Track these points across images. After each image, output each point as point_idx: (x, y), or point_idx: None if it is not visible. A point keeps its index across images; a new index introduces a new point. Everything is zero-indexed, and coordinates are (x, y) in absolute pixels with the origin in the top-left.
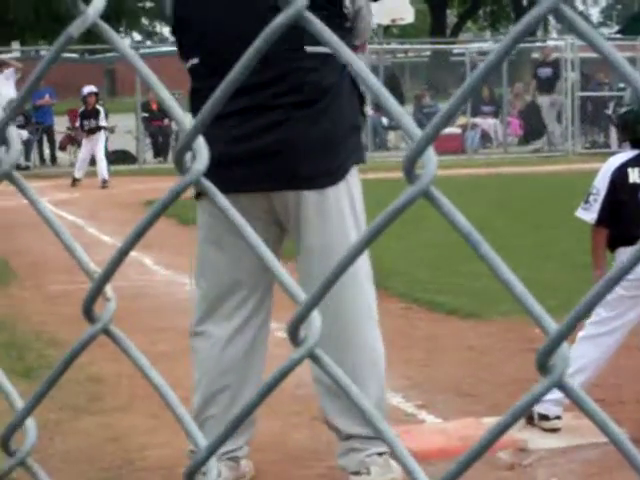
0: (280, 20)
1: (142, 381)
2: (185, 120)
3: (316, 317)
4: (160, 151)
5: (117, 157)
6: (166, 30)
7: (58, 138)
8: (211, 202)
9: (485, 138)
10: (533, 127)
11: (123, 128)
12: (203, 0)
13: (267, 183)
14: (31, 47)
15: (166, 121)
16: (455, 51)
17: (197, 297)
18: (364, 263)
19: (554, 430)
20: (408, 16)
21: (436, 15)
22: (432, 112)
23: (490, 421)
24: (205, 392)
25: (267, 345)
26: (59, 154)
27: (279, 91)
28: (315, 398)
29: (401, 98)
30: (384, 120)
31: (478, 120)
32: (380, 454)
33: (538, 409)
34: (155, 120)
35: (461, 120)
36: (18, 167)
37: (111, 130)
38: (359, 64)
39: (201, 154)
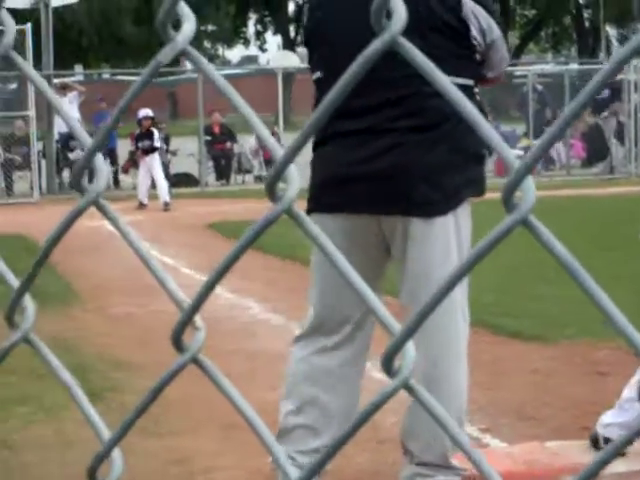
0: (375, 46)
1: (207, 404)
2: (278, 148)
3: (411, 348)
4: (222, 174)
5: (179, 180)
6: (228, 53)
7: (121, 161)
8: (320, 221)
9: (548, 160)
10: (596, 149)
11: (185, 151)
12: (328, 18)
13: (378, 206)
14: (94, 70)
15: (228, 144)
16: (517, 73)
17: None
18: (462, 299)
19: (620, 454)
20: None
21: None
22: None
23: (554, 445)
24: (295, 401)
25: (364, 367)
26: (122, 177)
27: (396, 114)
28: (382, 424)
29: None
30: None
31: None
32: None
33: (603, 432)
34: (217, 143)
35: (523, 142)
36: (82, 190)
37: (173, 153)
38: (456, 93)
39: (292, 182)
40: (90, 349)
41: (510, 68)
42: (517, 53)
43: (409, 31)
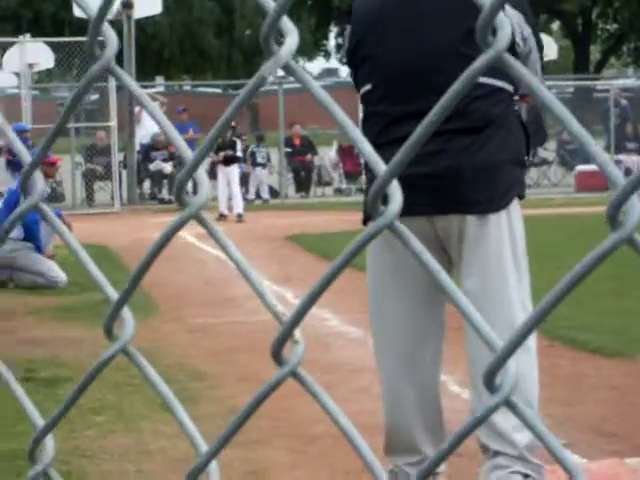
0: (480, 62)
1: (282, 414)
2: (380, 163)
3: (512, 365)
4: (302, 186)
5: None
6: (309, 66)
7: None
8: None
9: (629, 175)
10: None
11: None
12: (386, 33)
13: (432, 206)
14: (175, 82)
15: (308, 156)
16: (598, 87)
17: None
18: (520, 292)
19: None
20: (551, 52)
21: (579, 51)
22: (574, 149)
23: (634, 462)
24: (388, 417)
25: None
26: None
27: (446, 117)
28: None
29: (544, 135)
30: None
31: (622, 157)
32: (525, 476)
33: None
34: (298, 155)
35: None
36: (162, 201)
37: (263, 165)
38: (561, 109)
39: (395, 198)
40: (168, 359)
41: (592, 82)
42: (598, 67)
43: (456, 37)
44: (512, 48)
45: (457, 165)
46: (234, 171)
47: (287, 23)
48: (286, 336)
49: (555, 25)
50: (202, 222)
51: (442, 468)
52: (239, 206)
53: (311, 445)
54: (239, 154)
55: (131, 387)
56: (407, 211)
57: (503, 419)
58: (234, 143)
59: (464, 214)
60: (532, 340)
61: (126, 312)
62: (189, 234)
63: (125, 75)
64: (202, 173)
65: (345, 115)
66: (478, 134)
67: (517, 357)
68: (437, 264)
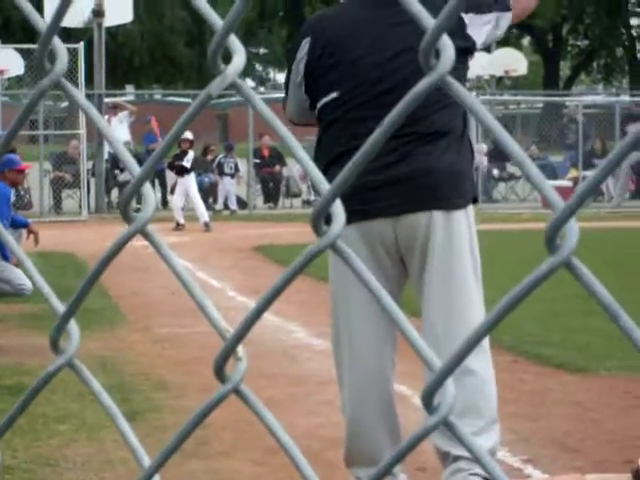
0: (423, 85)
1: (247, 427)
2: (324, 182)
3: (450, 385)
4: (270, 197)
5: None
6: (279, 76)
7: (170, 182)
8: (347, 230)
9: (596, 191)
10: None
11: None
12: (349, 47)
13: (399, 207)
14: (145, 91)
15: (277, 168)
16: (567, 103)
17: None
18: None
19: None
20: (521, 67)
21: (549, 67)
22: (542, 165)
23: (595, 477)
24: (350, 427)
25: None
26: (170, 198)
27: (410, 125)
28: (426, 450)
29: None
30: (495, 171)
31: (589, 173)
32: (486, 478)
33: None
34: (266, 166)
35: (572, 173)
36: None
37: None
38: (501, 132)
39: (338, 218)
40: (133, 369)
41: (561, 98)
42: (568, 84)
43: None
44: (471, 54)
45: (426, 166)
46: (189, 181)
47: (234, 42)
48: (229, 353)
49: (525, 40)
50: (147, 237)
51: None
52: (204, 215)
53: (274, 457)
54: (187, 164)
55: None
56: (374, 214)
57: (464, 425)
58: (184, 154)
59: (432, 210)
60: (487, 346)
61: (72, 325)
62: None
63: (74, 90)
64: (148, 188)
65: (289, 132)
66: (442, 140)
67: (481, 363)
68: (378, 284)
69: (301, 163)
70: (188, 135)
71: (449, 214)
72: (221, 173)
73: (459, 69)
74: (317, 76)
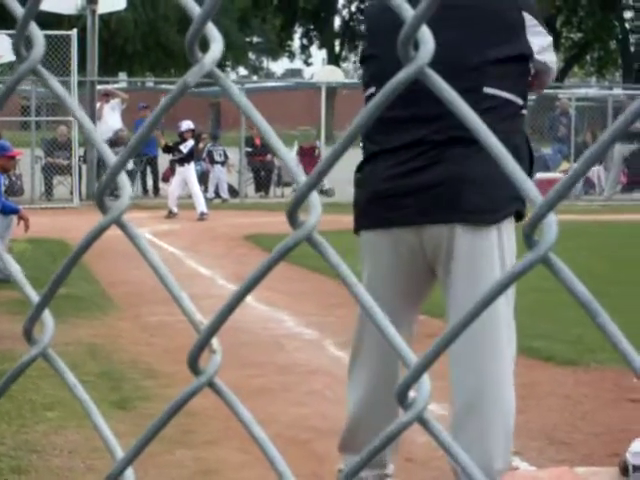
0: (401, 77)
1: (233, 415)
2: (300, 173)
3: (426, 381)
4: (261, 186)
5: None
6: (273, 66)
7: (161, 169)
8: (371, 236)
9: (588, 184)
10: (638, 174)
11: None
12: (377, 38)
13: (423, 216)
14: (137, 78)
15: (269, 156)
16: (560, 96)
17: None
18: (508, 316)
19: None
20: None
21: None
22: (535, 157)
23: (583, 470)
24: (354, 421)
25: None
26: (162, 185)
27: (446, 125)
28: (414, 441)
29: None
30: None
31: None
32: None
33: (632, 460)
34: (258, 155)
35: (564, 166)
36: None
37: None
38: (479, 125)
39: (314, 209)
40: (123, 357)
41: (554, 91)
42: (561, 76)
43: (469, 49)
44: (529, 60)
45: (454, 175)
46: (188, 170)
47: (212, 30)
48: (203, 345)
49: None
50: (123, 227)
51: (391, 470)
52: (201, 205)
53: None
54: (183, 149)
55: (85, 384)
56: (399, 222)
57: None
58: (178, 144)
59: (453, 223)
60: (509, 366)
61: (47, 315)
62: (147, 231)
63: (51, 78)
64: (124, 177)
65: (265, 123)
66: (478, 145)
67: (500, 384)
68: (354, 278)
69: (278, 154)
70: (190, 125)
71: (474, 229)
72: (212, 161)
73: (515, 76)
74: (363, 65)
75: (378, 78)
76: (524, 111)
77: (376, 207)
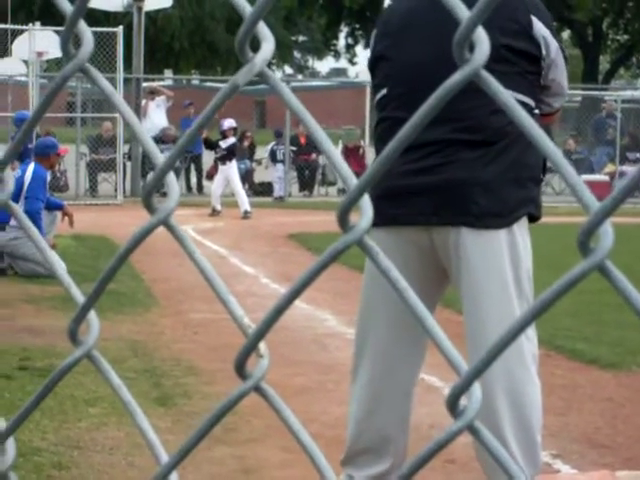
0: (456, 78)
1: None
2: (351, 176)
3: (477, 388)
4: (306, 185)
5: (262, 189)
6: (318, 64)
7: (206, 167)
8: (381, 233)
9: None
10: None
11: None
12: (400, 39)
13: (430, 217)
14: (183, 76)
15: (313, 155)
16: (606, 98)
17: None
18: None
19: None
20: None
21: (589, 61)
22: (579, 159)
23: (624, 475)
24: (357, 425)
25: (415, 387)
26: (206, 183)
27: (457, 128)
28: (454, 444)
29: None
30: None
31: (626, 168)
32: None
33: None
34: (302, 154)
35: (609, 168)
36: (165, 194)
37: (258, 162)
38: (537, 131)
39: (366, 213)
40: (165, 354)
41: (600, 93)
42: (607, 78)
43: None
44: (537, 61)
45: (463, 177)
46: (230, 168)
47: (263, 29)
48: (250, 349)
49: (565, 34)
50: (170, 229)
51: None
52: (244, 203)
53: None
54: (222, 145)
55: (126, 380)
56: (406, 220)
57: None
58: (225, 137)
59: (460, 226)
60: (531, 365)
61: (92, 316)
62: (191, 229)
63: (99, 75)
64: (172, 179)
65: (315, 122)
66: (489, 148)
67: (525, 384)
68: (404, 282)
69: (327, 155)
70: (233, 123)
71: (482, 233)
72: (274, 160)
73: (525, 77)
74: (373, 70)
75: (391, 80)
76: (536, 111)
77: (387, 205)
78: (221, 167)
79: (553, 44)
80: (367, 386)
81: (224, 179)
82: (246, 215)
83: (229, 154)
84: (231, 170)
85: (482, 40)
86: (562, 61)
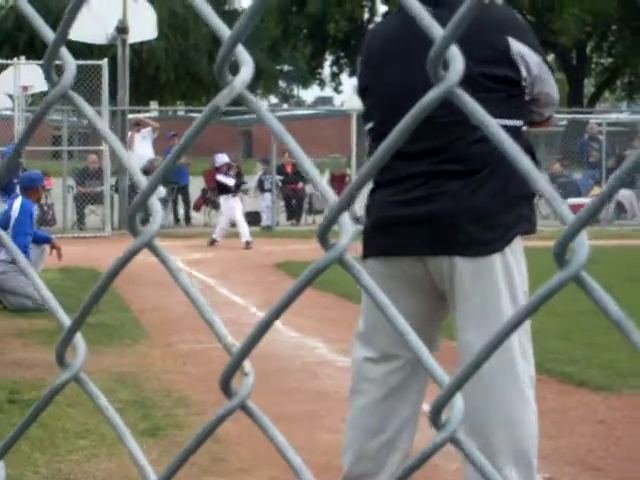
0: (431, 96)
1: (264, 442)
2: (331, 195)
3: (459, 401)
4: (293, 214)
5: (250, 219)
6: (303, 93)
7: (193, 198)
8: (376, 264)
9: (620, 209)
10: None
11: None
12: (380, 68)
13: (422, 247)
14: (169, 107)
15: (300, 184)
16: (592, 121)
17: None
18: (522, 338)
19: None
20: None
21: (573, 84)
22: (566, 182)
23: None
24: (357, 451)
25: (419, 413)
26: (193, 214)
27: (441, 160)
28: (445, 468)
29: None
30: None
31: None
32: None
33: None
34: (289, 183)
35: (595, 191)
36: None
37: (244, 192)
38: (511, 145)
39: (346, 231)
40: (154, 385)
41: (585, 116)
42: (592, 101)
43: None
44: (518, 84)
45: (450, 208)
46: (235, 202)
47: (242, 53)
48: (235, 368)
49: (549, 58)
50: (154, 250)
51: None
52: (245, 234)
53: (292, 474)
54: (230, 182)
55: (115, 411)
56: (398, 251)
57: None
58: (229, 169)
59: (452, 256)
60: (528, 388)
61: (78, 339)
62: (179, 259)
63: (83, 103)
64: (155, 202)
65: (298, 146)
66: (473, 177)
67: (517, 408)
68: (387, 299)
69: (309, 176)
70: (225, 158)
71: (475, 260)
72: (262, 190)
73: (508, 100)
74: (362, 98)
75: (376, 110)
76: (525, 127)
77: (380, 236)
78: (231, 199)
79: (533, 60)
80: (365, 412)
81: (229, 210)
82: (248, 245)
83: (229, 187)
84: (236, 202)
85: (456, 58)
86: (547, 73)
